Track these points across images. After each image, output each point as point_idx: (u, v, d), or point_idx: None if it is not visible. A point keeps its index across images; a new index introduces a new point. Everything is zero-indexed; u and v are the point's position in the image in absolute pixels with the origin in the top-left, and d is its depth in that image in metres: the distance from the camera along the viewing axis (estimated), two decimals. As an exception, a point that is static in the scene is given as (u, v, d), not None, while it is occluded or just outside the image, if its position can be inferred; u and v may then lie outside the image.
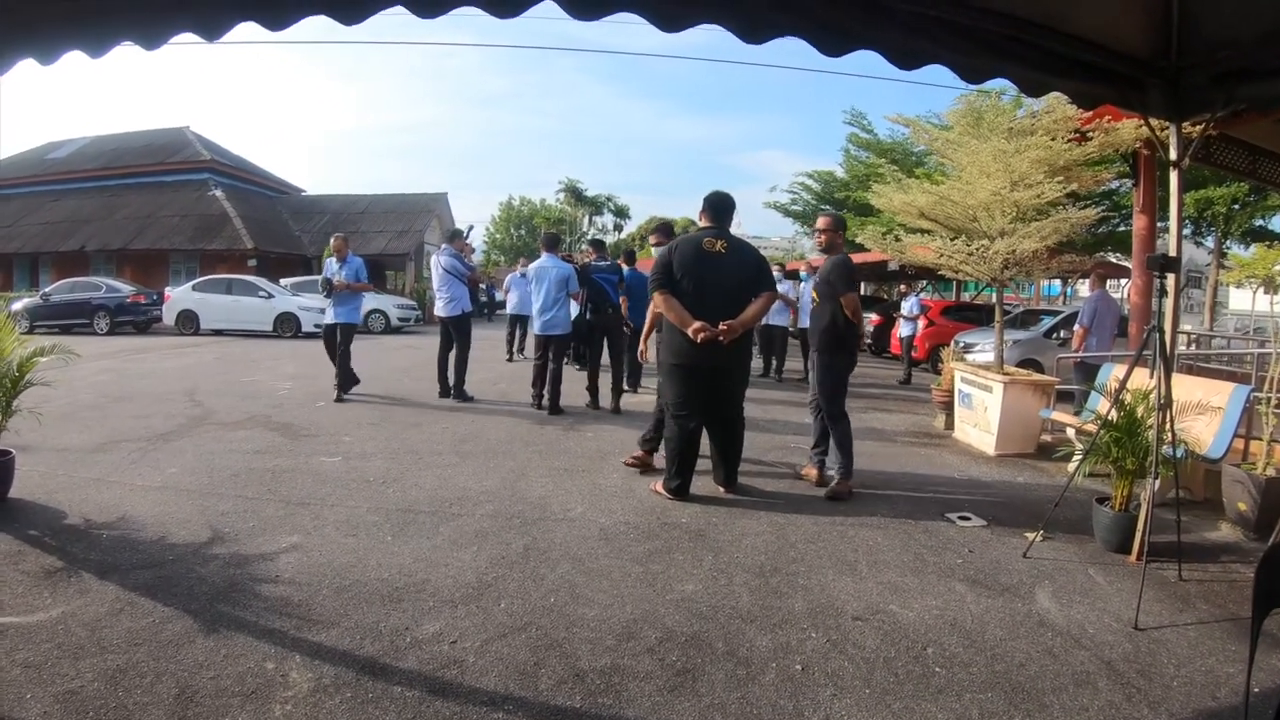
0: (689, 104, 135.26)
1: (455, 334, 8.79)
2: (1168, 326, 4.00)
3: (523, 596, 3.37)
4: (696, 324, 4.66)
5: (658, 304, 4.95)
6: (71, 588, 3.38)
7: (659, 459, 5.50)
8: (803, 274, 12.11)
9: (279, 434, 6.78)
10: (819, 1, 3.28)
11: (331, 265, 8.97)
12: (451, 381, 8.81)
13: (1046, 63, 3.80)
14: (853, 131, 24.94)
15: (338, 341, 8.67)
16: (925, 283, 21.58)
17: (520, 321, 13.26)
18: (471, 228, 11.09)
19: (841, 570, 3.78)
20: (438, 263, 8.87)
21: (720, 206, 5.05)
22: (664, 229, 7.19)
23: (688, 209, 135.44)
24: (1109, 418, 4.21)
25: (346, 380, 8.69)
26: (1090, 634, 3.18)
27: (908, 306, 13.43)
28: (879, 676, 2.77)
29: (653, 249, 7.76)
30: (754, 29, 3.20)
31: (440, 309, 8.92)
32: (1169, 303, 4.01)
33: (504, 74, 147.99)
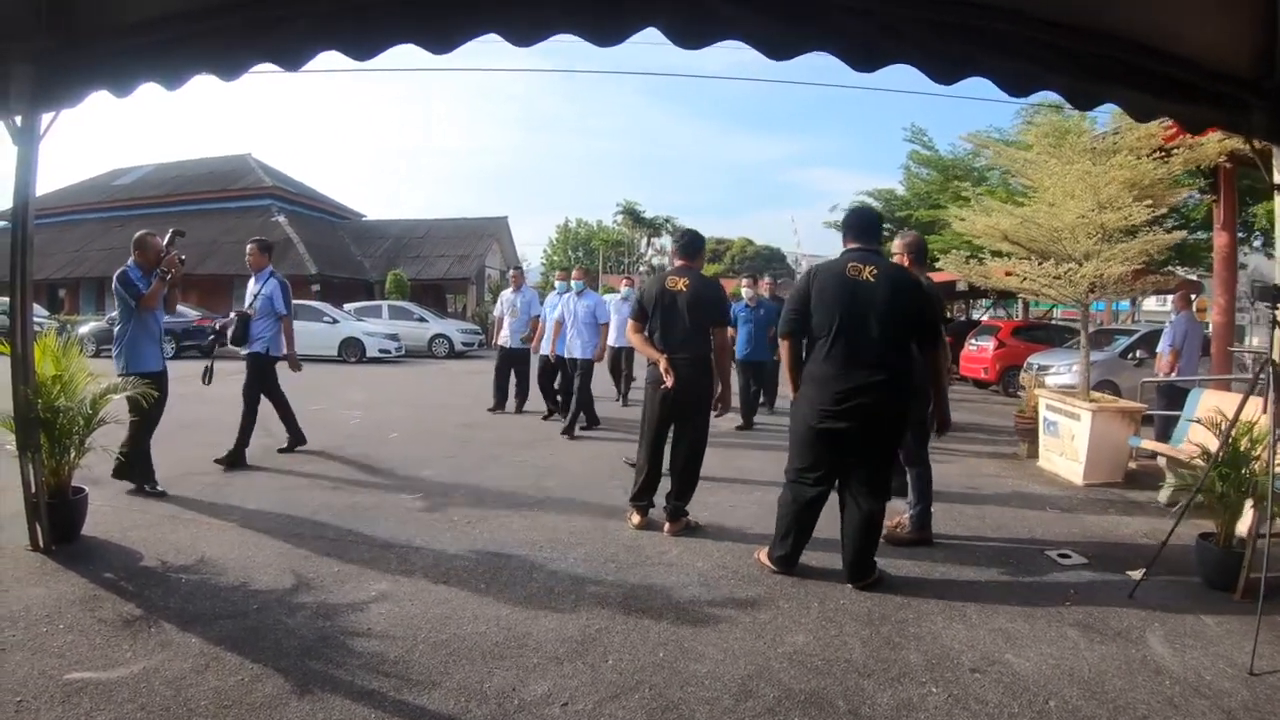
0: (742, 123, 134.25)
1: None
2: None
3: (630, 651, 3.21)
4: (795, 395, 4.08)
5: (786, 355, 4.12)
6: (152, 639, 3.26)
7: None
8: None
9: (355, 468, 6.71)
10: (929, 29, 3.19)
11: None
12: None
13: (1155, 86, 3.69)
14: (913, 148, 24.46)
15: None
16: (990, 302, 21.24)
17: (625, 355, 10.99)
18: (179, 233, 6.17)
19: (951, 616, 3.62)
20: None
21: (864, 224, 4.12)
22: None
23: (746, 228, 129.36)
24: (1216, 455, 4.05)
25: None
26: (1207, 681, 3.05)
27: None
28: (1006, 734, 2.61)
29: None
30: (866, 57, 3.11)
31: None
32: (1280, 334, 3.84)
33: (565, 98, 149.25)
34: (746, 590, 3.93)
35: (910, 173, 24.62)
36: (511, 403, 10.15)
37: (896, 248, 4.87)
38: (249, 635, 3.29)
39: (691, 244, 5.11)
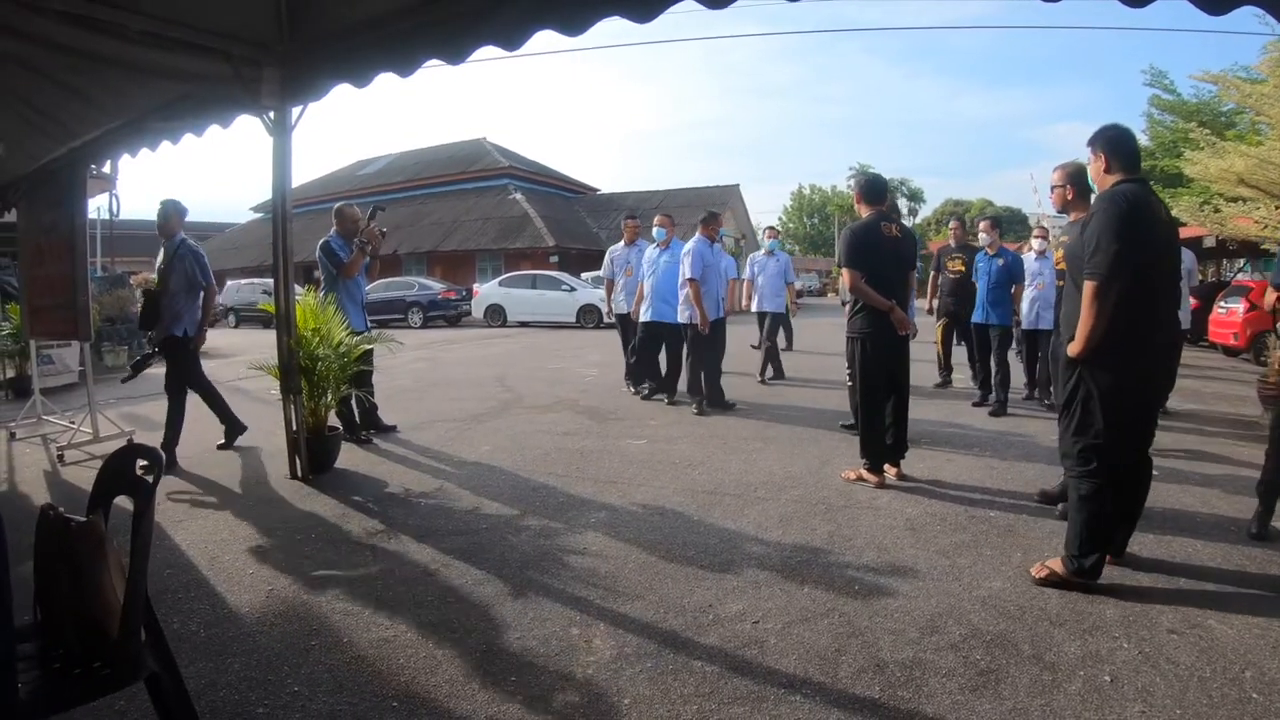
0: (978, 78, 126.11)
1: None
2: None
3: (826, 582, 3.35)
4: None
5: (1105, 308, 3.10)
6: (391, 548, 3.78)
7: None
8: (1036, 246, 7.58)
9: (586, 417, 7.15)
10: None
11: None
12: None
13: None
14: (1154, 94, 22.20)
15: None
16: (1244, 261, 19.13)
17: None
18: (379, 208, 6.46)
19: (1158, 577, 3.45)
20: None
21: (1136, 151, 3.35)
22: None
23: (983, 189, 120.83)
24: None
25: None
26: None
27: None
28: (1192, 697, 2.51)
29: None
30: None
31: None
32: None
33: (788, 63, 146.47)
34: (952, 536, 3.94)
35: (1153, 120, 22.37)
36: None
37: (1057, 179, 4.09)
38: (476, 549, 3.74)
39: (882, 188, 5.02)
